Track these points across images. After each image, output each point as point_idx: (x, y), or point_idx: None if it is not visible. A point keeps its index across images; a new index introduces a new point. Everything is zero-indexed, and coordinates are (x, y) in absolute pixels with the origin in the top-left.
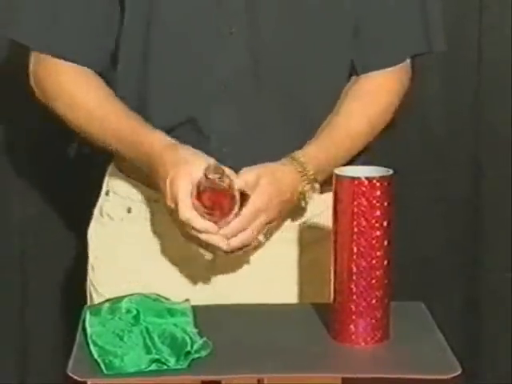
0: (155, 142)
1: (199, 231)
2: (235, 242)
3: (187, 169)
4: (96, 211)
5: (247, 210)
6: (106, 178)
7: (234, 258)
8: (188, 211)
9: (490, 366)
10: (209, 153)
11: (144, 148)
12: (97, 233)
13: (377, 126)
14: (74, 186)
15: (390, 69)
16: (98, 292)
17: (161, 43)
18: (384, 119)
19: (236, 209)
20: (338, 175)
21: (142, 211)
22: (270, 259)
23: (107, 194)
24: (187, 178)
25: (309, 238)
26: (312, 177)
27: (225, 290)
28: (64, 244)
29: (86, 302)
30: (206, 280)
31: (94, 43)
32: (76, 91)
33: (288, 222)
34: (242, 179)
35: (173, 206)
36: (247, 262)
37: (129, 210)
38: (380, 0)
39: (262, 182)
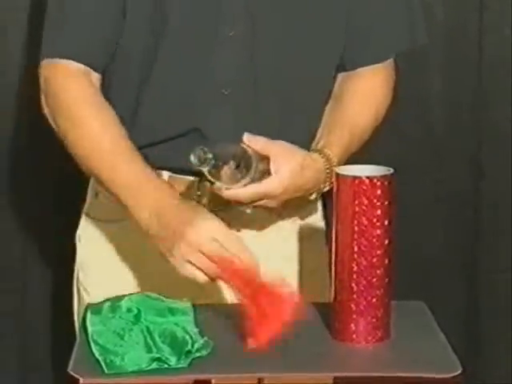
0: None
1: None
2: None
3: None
4: (84, 213)
5: (254, 189)
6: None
7: None
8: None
9: (490, 366)
10: None
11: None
12: (85, 234)
13: (379, 120)
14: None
15: (380, 65)
16: (87, 292)
17: (163, 47)
18: (382, 115)
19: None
20: (339, 174)
21: None
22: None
23: (97, 195)
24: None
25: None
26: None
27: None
28: (65, 243)
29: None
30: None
31: (102, 46)
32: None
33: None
34: (273, 149)
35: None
36: None
37: (118, 212)
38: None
39: (286, 172)
